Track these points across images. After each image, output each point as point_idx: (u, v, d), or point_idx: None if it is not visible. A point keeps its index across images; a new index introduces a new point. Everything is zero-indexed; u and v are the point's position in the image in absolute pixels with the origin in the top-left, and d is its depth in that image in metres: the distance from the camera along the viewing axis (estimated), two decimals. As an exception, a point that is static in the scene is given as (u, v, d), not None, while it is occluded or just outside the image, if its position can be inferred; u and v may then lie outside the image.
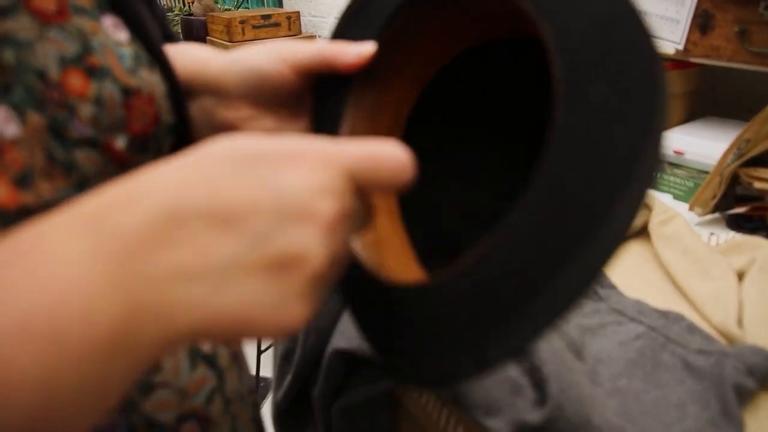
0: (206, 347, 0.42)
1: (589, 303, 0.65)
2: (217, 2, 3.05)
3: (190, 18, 2.64)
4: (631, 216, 0.26)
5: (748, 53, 0.83)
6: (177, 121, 0.41)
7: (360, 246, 0.38)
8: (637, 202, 0.25)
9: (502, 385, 0.52)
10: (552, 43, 0.29)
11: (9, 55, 0.31)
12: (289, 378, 0.65)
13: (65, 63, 0.33)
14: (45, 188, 0.31)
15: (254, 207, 0.23)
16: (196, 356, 0.41)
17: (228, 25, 2.37)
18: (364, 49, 0.41)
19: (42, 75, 0.32)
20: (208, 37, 2.55)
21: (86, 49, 0.34)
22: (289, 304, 0.23)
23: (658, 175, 0.27)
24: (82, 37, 0.35)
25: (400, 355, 0.31)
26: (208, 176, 0.23)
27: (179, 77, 0.43)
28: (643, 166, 0.25)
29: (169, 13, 2.97)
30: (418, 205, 0.47)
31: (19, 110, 0.31)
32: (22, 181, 0.30)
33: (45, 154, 0.32)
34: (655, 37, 0.27)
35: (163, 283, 0.22)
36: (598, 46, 0.28)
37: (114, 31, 0.37)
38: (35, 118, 0.31)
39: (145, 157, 0.38)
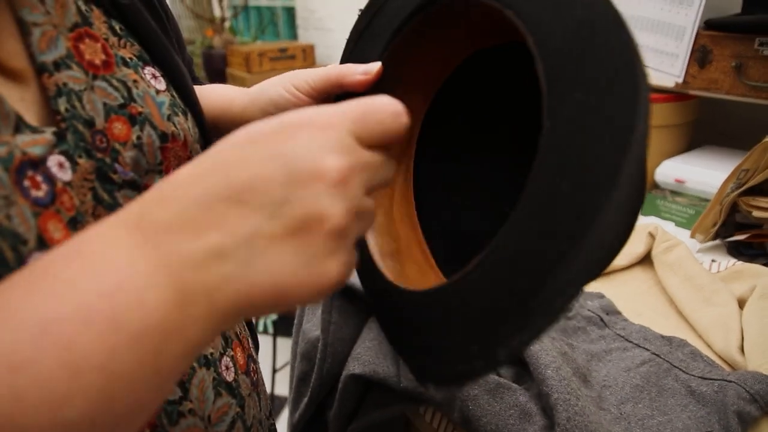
0: (228, 377, 0.45)
1: (594, 329, 0.67)
2: (236, 35, 3.14)
3: (211, 51, 2.72)
4: (623, 217, 0.27)
5: (745, 86, 0.87)
6: None
7: (380, 256, 0.40)
8: (626, 203, 0.27)
9: (512, 410, 0.54)
10: (538, 53, 0.31)
11: (63, 104, 0.34)
12: (305, 400, 0.67)
13: (110, 111, 0.37)
14: None
15: (265, 179, 0.24)
16: (220, 384, 0.43)
17: (247, 57, 2.47)
18: (371, 67, 0.44)
19: (90, 123, 0.35)
20: (227, 69, 2.64)
21: (129, 97, 0.38)
22: (319, 263, 0.25)
23: (644, 171, 0.29)
24: (126, 86, 0.38)
25: (419, 354, 0.33)
26: (222, 162, 0.25)
27: (207, 117, 0.47)
28: (629, 165, 0.26)
29: (190, 46, 3.05)
30: (438, 215, 0.50)
31: (70, 157, 0.34)
32: (73, 222, 0.33)
33: (92, 196, 0.35)
34: (634, 38, 0.27)
35: (201, 264, 0.24)
36: (582, 53, 0.29)
37: (153, 81, 0.40)
38: (85, 164, 0.34)
39: None
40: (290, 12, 3.10)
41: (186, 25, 3.73)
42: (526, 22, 0.32)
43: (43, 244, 0.30)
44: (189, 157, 0.41)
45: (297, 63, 2.57)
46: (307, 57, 2.62)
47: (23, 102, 0.33)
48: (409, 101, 0.48)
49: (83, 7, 0.38)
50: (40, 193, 0.31)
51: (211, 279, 0.24)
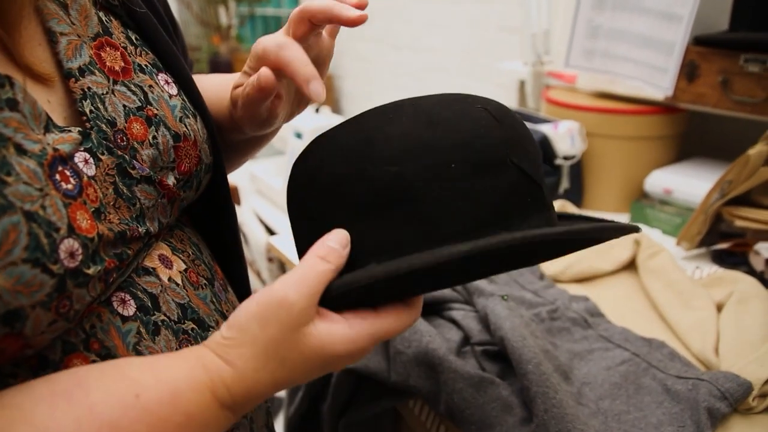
0: None
1: (578, 330, 0.70)
2: (241, 43, 3.19)
3: (217, 58, 2.78)
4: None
5: (731, 101, 0.90)
6: (214, 161, 0.48)
7: None
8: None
9: (495, 403, 0.57)
10: None
11: (88, 106, 0.38)
12: (300, 395, 0.70)
13: (129, 113, 0.40)
14: (113, 219, 0.37)
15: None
16: None
17: (250, 64, 2.51)
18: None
19: (112, 123, 0.39)
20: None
21: (146, 101, 0.41)
22: None
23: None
24: (143, 91, 0.42)
25: None
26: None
27: (211, 97, 0.51)
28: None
29: (197, 52, 3.11)
30: None
31: (94, 154, 0.37)
32: (97, 213, 0.36)
33: (113, 190, 0.38)
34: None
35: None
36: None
37: (166, 87, 0.44)
38: (107, 160, 0.38)
39: (188, 193, 0.45)
40: (296, 20, 3.14)
41: (193, 32, 3.79)
42: None
43: (73, 231, 0.33)
44: (198, 156, 0.45)
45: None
46: (312, 64, 2.66)
47: (49, 104, 0.36)
48: None
49: (104, 18, 0.41)
50: (69, 186, 0.34)
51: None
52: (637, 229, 0.44)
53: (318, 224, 0.40)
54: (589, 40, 1.13)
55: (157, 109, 0.42)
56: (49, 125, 0.35)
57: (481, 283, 0.71)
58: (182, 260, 0.44)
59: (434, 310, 0.70)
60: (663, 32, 1.00)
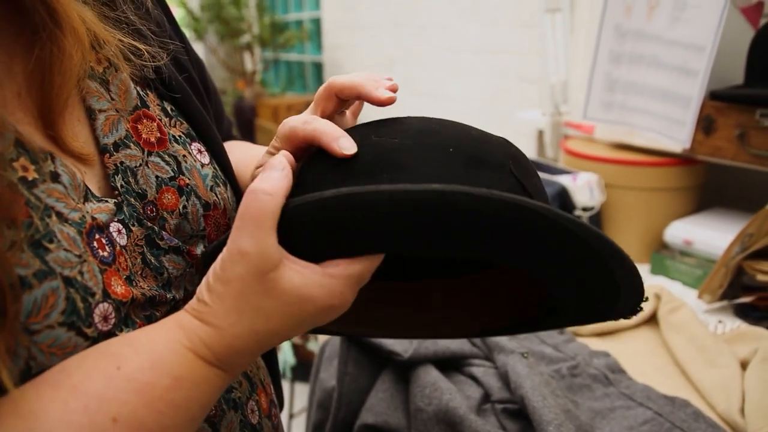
0: (253, 419, 0.49)
1: (599, 387, 0.70)
2: (265, 87, 3.30)
3: (242, 103, 2.87)
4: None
5: (748, 154, 0.91)
6: None
7: None
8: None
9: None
10: None
11: (119, 181, 0.40)
12: (320, 450, 0.70)
13: (162, 183, 0.42)
14: (143, 286, 0.39)
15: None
16: (246, 426, 0.47)
17: (275, 110, 2.62)
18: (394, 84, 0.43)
19: (142, 196, 0.41)
20: (257, 119, 2.78)
21: (178, 171, 0.44)
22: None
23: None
24: (176, 161, 0.44)
25: None
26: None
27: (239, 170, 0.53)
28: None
29: (222, 96, 3.21)
30: None
31: (126, 224, 0.40)
32: (129, 280, 0.38)
33: (141, 260, 0.40)
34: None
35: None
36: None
37: (198, 156, 0.46)
38: (137, 231, 0.40)
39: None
40: (318, 67, 3.24)
41: (219, 75, 3.92)
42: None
43: (108, 295, 0.35)
44: (227, 224, 0.47)
45: (323, 116, 2.71)
46: (333, 110, 2.74)
47: (86, 176, 0.39)
48: None
49: (141, 92, 0.44)
50: (104, 253, 0.37)
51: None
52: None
53: (308, 188, 0.37)
54: (607, 92, 1.15)
55: (189, 179, 0.44)
56: (88, 194, 0.37)
57: (502, 339, 0.71)
58: None
59: (454, 366, 0.70)
60: (679, 86, 1.01)
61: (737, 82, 0.98)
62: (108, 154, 0.40)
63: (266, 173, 0.35)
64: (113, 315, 0.35)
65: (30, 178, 0.34)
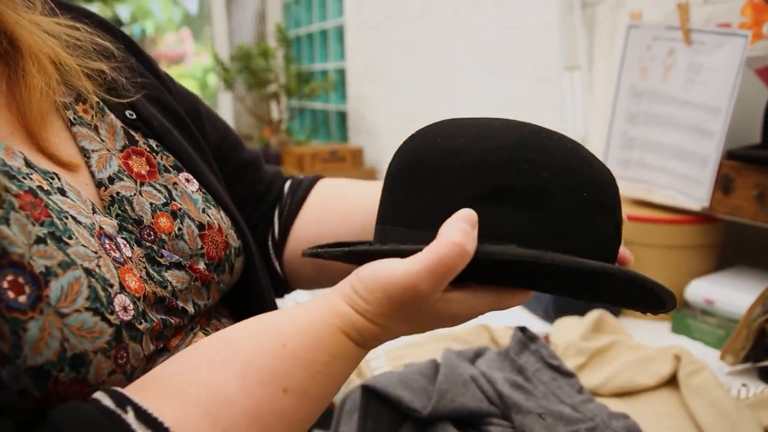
0: None
1: (619, 450, 0.69)
2: (291, 136, 3.39)
3: (267, 150, 2.96)
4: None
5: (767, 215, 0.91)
6: (243, 244, 0.53)
7: None
8: None
9: None
10: None
11: (115, 211, 0.45)
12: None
13: (156, 209, 0.47)
14: (154, 288, 0.43)
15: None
16: None
17: (300, 158, 2.69)
18: None
19: (138, 222, 0.45)
20: (282, 167, 2.86)
21: (170, 197, 0.48)
22: None
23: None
24: (167, 189, 0.48)
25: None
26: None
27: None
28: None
29: (248, 141, 3.31)
30: None
31: (128, 242, 0.44)
32: (142, 280, 0.42)
33: (144, 273, 0.43)
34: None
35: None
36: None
37: (187, 184, 0.50)
38: (137, 250, 0.44)
39: (223, 276, 0.50)
40: (342, 116, 3.33)
41: (246, 122, 4.04)
42: None
43: (124, 289, 0.39)
44: (225, 242, 0.50)
45: (347, 165, 2.77)
46: (356, 159, 2.81)
47: (82, 189, 0.44)
48: None
49: (128, 132, 0.49)
50: (116, 255, 0.41)
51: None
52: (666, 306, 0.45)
53: (442, 202, 0.41)
54: (624, 150, 1.17)
55: (181, 204, 0.48)
56: (95, 208, 0.42)
57: (519, 398, 0.71)
58: None
59: (472, 425, 0.70)
60: (696, 145, 1.03)
61: (754, 141, 1.00)
62: (103, 188, 0.45)
63: (468, 229, 0.38)
64: (131, 307, 0.39)
65: (45, 188, 0.39)
